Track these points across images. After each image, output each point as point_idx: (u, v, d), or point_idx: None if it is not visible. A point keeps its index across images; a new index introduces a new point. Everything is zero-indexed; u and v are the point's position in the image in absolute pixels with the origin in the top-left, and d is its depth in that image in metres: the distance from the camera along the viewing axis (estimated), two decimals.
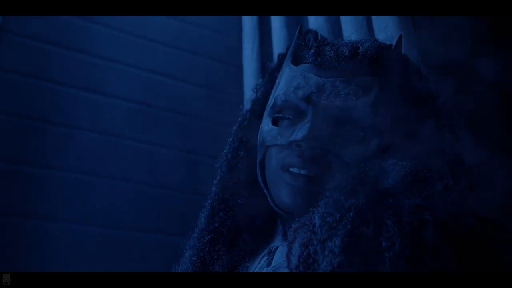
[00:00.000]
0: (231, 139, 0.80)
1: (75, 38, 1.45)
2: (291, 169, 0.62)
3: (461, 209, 0.52)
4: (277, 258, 0.63)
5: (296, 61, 0.71)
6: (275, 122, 0.68)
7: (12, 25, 1.36)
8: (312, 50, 0.68)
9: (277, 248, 0.66)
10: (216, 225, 0.72)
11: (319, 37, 0.72)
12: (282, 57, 0.78)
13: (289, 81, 0.68)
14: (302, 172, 0.61)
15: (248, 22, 1.66)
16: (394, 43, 0.70)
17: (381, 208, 0.49)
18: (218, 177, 0.77)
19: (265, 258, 0.66)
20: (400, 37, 0.71)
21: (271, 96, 0.73)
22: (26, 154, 1.27)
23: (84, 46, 1.46)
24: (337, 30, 1.18)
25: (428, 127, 0.67)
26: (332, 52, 0.66)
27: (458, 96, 1.02)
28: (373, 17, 1.09)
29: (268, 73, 0.81)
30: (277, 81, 0.73)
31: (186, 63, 1.62)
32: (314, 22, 1.23)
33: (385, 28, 1.04)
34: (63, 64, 1.41)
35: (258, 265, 0.66)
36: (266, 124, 0.69)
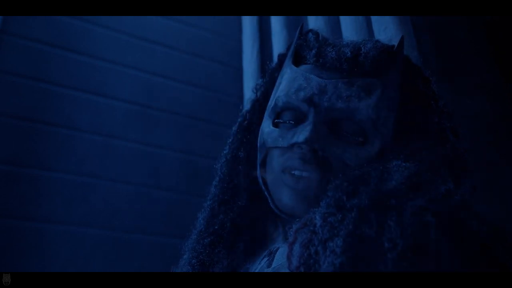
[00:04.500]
0: (230, 140, 0.79)
1: (75, 40, 1.46)
2: (292, 172, 0.62)
3: (463, 211, 0.52)
4: (278, 259, 0.63)
5: (297, 62, 0.70)
6: (275, 123, 0.67)
7: (13, 27, 1.36)
8: (313, 51, 0.68)
9: (277, 249, 0.65)
10: (216, 227, 0.71)
11: (320, 38, 0.72)
12: (282, 57, 0.77)
13: (290, 82, 0.67)
14: (304, 174, 0.61)
15: (248, 24, 1.66)
16: (396, 44, 0.69)
17: (384, 209, 0.49)
18: (218, 178, 0.76)
19: (266, 259, 0.65)
20: (402, 38, 0.70)
21: (271, 97, 0.72)
22: (26, 156, 1.27)
23: (84, 48, 1.46)
24: (337, 32, 1.18)
25: (431, 128, 0.67)
26: (333, 53, 0.65)
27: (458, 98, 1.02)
28: (373, 19, 1.09)
29: (268, 73, 0.80)
30: (277, 81, 0.72)
31: (186, 65, 1.62)
32: (314, 24, 1.23)
33: (385, 30, 1.04)
34: (63, 66, 1.41)
35: (259, 266, 0.65)
36: (266, 126, 0.68)
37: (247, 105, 0.81)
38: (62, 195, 1.27)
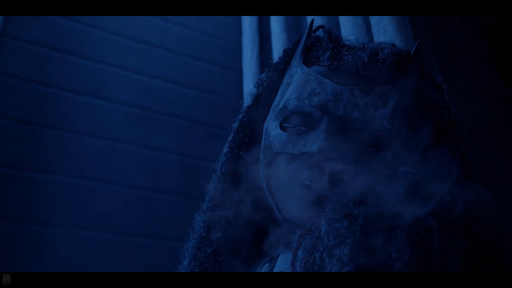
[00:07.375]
0: (230, 138, 0.74)
1: (75, 43, 1.46)
2: (302, 181, 0.59)
3: (467, 217, 0.51)
4: (279, 265, 0.61)
5: (307, 61, 0.66)
6: (283, 126, 0.63)
7: (13, 30, 1.37)
8: (327, 53, 0.64)
9: (278, 255, 0.63)
10: (218, 234, 0.68)
11: (333, 37, 0.68)
12: (289, 52, 0.73)
13: (302, 84, 0.63)
14: (315, 184, 0.58)
15: (248, 26, 1.66)
16: (412, 50, 0.66)
17: (391, 217, 0.47)
18: (217, 179, 0.72)
19: (267, 265, 0.64)
20: (418, 43, 0.67)
21: (278, 95, 0.68)
22: (26, 159, 1.26)
23: (84, 50, 1.46)
24: (336, 33, 1.17)
25: (442, 138, 0.65)
26: (349, 56, 0.62)
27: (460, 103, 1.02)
28: (372, 22, 1.09)
29: (272, 67, 0.75)
30: (285, 80, 0.68)
31: (186, 68, 1.62)
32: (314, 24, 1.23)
33: (384, 33, 1.04)
34: (63, 68, 1.41)
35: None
36: (273, 128, 0.64)
37: (247, 100, 0.77)
38: (61, 198, 1.27)
